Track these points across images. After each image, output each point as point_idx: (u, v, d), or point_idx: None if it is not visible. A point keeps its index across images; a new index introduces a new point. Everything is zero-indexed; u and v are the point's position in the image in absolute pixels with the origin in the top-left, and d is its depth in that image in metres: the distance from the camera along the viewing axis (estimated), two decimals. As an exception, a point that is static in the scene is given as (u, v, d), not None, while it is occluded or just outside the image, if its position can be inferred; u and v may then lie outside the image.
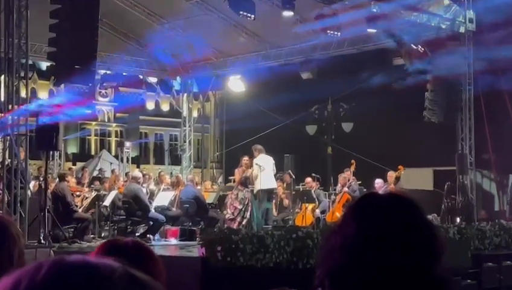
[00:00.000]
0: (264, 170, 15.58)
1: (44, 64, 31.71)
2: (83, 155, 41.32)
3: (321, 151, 22.36)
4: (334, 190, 18.66)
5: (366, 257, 1.57)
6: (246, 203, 15.27)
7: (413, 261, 1.58)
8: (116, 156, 32.15)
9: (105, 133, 45.20)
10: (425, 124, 19.11)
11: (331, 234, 1.68)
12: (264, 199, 15.72)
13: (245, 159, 15.76)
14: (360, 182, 17.97)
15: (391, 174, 16.85)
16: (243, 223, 15.04)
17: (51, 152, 21.00)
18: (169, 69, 24.47)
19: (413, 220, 1.64)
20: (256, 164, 15.59)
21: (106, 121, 45.25)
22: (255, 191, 15.82)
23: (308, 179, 18.57)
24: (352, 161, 17.83)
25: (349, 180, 17.59)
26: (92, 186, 18.79)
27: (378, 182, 16.84)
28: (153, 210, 15.70)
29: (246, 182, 15.70)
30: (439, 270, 1.63)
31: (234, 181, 17.20)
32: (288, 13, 17.67)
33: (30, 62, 15.46)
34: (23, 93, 14.11)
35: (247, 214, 15.18)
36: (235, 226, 14.46)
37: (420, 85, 18.83)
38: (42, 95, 38.54)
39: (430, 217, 15.77)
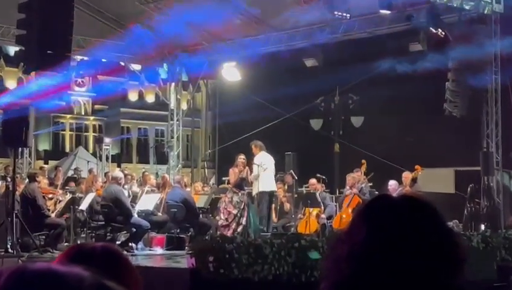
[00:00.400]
0: (265, 170, 15.59)
1: (12, 49, 31.65)
2: (56, 152, 41.32)
3: (327, 148, 22.38)
4: (341, 193, 18.66)
5: (374, 259, 1.57)
6: (242, 207, 15.27)
7: (427, 266, 1.58)
8: (94, 154, 32.12)
9: (82, 127, 45.21)
10: (445, 118, 19.10)
11: (338, 242, 1.68)
12: (264, 203, 15.71)
13: (241, 157, 15.76)
14: (371, 184, 17.97)
15: (407, 175, 16.85)
16: (238, 230, 15.05)
17: (20, 149, 20.98)
18: (154, 55, 24.45)
19: (429, 225, 1.64)
20: (255, 163, 15.58)
21: (83, 113, 45.27)
22: (253, 193, 15.81)
23: (313, 181, 18.57)
24: (363, 161, 17.83)
25: (359, 182, 17.59)
26: (67, 187, 18.75)
27: (392, 184, 16.84)
28: (135, 215, 15.70)
29: (242, 184, 15.70)
30: (460, 282, 1.63)
31: (228, 182, 17.18)
32: (290, -9, 17.66)
33: (-4, 46, 15.42)
34: (-12, 82, 14.09)
35: (243, 220, 15.18)
36: (229, 233, 14.46)
37: (440, 74, 18.82)
38: (10, 84, 38.50)
39: (450, 223, 15.72)
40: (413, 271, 1.57)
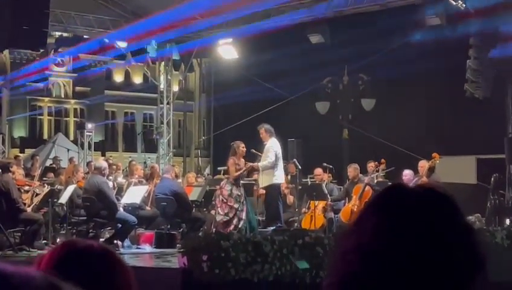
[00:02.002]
0: (279, 159, 15.52)
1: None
2: (33, 140, 41.32)
3: (335, 134, 22.36)
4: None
5: (383, 252, 1.56)
6: (242, 201, 15.23)
7: (440, 264, 1.57)
8: (75, 141, 32.10)
9: (62, 112, 45.18)
10: (466, 101, 19.06)
11: (345, 234, 1.67)
12: (277, 195, 15.65)
13: (242, 145, 15.67)
14: (383, 173, 17.92)
15: (423, 164, 16.83)
16: (240, 226, 14.99)
17: (-8, 136, 20.96)
18: (142, 31, 24.39)
19: (446, 219, 1.63)
20: (265, 154, 15.47)
21: (62, 96, 45.23)
22: (263, 185, 15.71)
23: (318, 170, 18.55)
24: (383, 160, 17.65)
25: (372, 172, 17.54)
26: (45, 179, 18.74)
27: (407, 173, 16.82)
28: (121, 209, 15.70)
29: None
30: (480, 283, 1.61)
31: (225, 173, 17.11)
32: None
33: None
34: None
35: (243, 215, 15.15)
36: (230, 230, 14.37)
37: (460, 51, 18.77)
38: (-19, 64, 38.42)
39: (472, 217, 15.67)
40: (425, 269, 1.56)
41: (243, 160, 15.42)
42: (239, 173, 15.20)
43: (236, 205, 15.03)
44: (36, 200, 16.01)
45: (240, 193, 15.17)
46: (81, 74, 43.03)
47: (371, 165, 17.87)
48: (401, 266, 1.56)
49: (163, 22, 23.71)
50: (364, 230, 1.62)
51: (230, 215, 14.98)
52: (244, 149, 15.48)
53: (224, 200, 15.10)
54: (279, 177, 15.59)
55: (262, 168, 15.40)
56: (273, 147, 15.44)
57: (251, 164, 15.49)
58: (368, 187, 16.64)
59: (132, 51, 26.70)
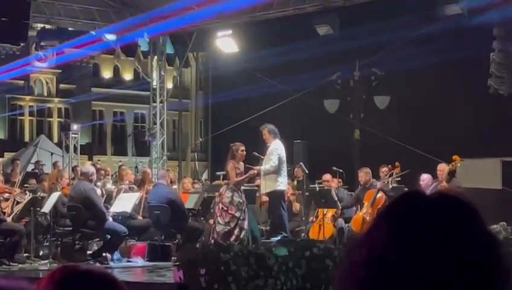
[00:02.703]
0: (283, 162, 15.50)
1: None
2: (13, 142, 41.32)
3: (345, 135, 22.35)
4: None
5: (394, 266, 1.56)
6: (243, 209, 15.21)
7: (462, 285, 1.56)
8: (59, 144, 32.12)
9: (44, 111, 45.19)
10: (490, 98, 19.04)
11: (355, 244, 1.66)
12: (281, 203, 15.63)
13: (242, 148, 15.64)
14: (398, 178, 17.92)
15: (443, 168, 16.82)
16: (242, 236, 14.97)
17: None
18: (133, 22, 24.40)
19: (467, 229, 1.62)
20: (266, 157, 15.47)
21: (45, 95, 45.24)
22: (265, 191, 15.69)
23: (327, 176, 18.54)
24: (397, 164, 17.66)
25: (385, 176, 17.54)
26: (26, 185, 18.73)
27: (425, 178, 16.82)
28: (110, 219, 15.71)
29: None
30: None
31: (224, 178, 17.11)
32: None
33: None
34: None
35: (245, 224, 15.14)
36: (231, 241, 14.35)
37: (484, 43, 18.76)
38: (-44, 59, 38.45)
39: (497, 226, 15.71)
40: (441, 285, 1.56)
41: (242, 164, 15.38)
42: (240, 178, 15.16)
43: (237, 214, 14.98)
44: (17, 209, 16.01)
45: (241, 200, 15.13)
46: (66, 70, 42.99)
47: (384, 169, 17.85)
48: (415, 282, 1.56)
49: (156, 12, 23.72)
50: (376, 240, 1.61)
51: (232, 225, 14.94)
52: (244, 152, 15.41)
53: (225, 208, 15.05)
54: (283, 183, 15.55)
55: (264, 173, 15.36)
56: (276, 149, 15.42)
57: (255, 169, 15.45)
58: (380, 193, 16.65)
59: (122, 44, 26.72)
